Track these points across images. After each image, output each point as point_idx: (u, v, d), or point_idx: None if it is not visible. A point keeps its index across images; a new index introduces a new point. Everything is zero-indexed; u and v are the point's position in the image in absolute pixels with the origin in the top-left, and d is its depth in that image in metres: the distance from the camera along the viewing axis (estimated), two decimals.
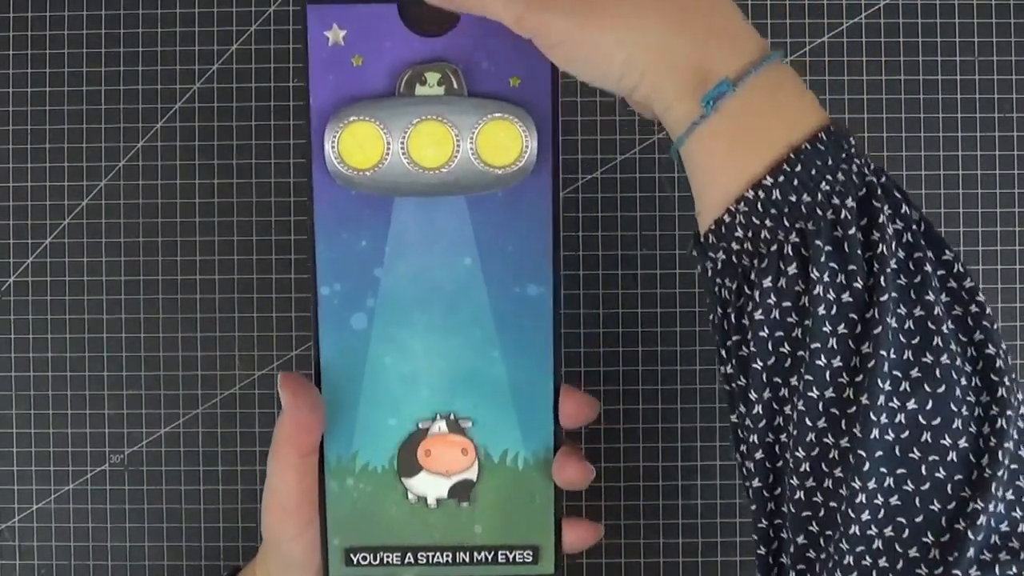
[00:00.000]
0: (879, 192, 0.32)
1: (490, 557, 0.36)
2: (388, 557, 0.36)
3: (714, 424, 0.52)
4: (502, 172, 0.34)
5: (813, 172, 0.31)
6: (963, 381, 0.31)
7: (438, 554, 0.36)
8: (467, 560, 0.36)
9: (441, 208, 0.35)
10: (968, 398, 0.31)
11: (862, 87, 0.52)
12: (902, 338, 0.31)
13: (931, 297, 0.31)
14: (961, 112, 0.52)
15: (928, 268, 0.32)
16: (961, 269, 0.32)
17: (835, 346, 0.31)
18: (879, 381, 0.31)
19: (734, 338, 0.34)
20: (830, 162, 0.32)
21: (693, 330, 0.52)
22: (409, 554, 0.36)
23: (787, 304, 0.32)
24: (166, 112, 0.52)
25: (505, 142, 0.34)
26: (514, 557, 0.36)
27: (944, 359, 0.31)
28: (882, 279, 0.31)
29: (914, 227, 0.32)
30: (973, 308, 0.32)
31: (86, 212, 0.52)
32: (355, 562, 0.36)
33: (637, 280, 0.52)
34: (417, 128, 0.34)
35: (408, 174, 0.34)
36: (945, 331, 0.31)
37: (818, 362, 0.31)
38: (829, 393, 0.32)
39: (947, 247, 0.33)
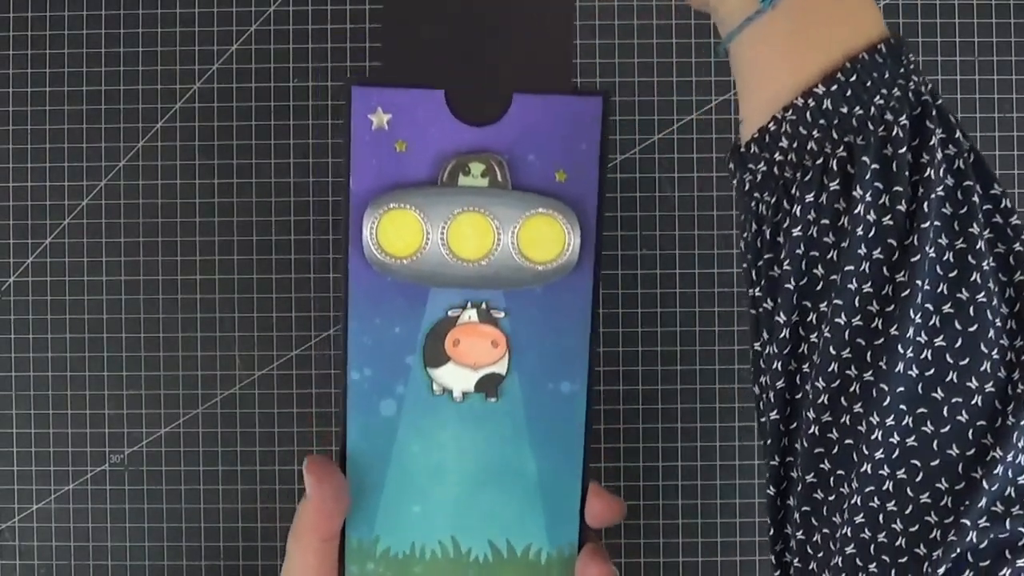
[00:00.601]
0: (933, 114, 0.30)
1: None
2: None
3: (714, 424, 0.52)
4: (542, 268, 0.33)
5: (868, 84, 0.30)
6: (997, 322, 0.30)
7: None
8: None
9: (478, 300, 0.34)
10: (1001, 341, 0.30)
11: None
12: (939, 270, 0.30)
13: (975, 230, 0.30)
14: (961, 112, 0.52)
15: (975, 199, 0.30)
16: (1008, 205, 0.31)
17: (868, 271, 0.30)
18: (911, 312, 0.29)
19: (766, 256, 0.32)
20: (887, 76, 0.30)
21: (693, 330, 0.52)
22: None
23: (825, 222, 0.31)
24: (166, 112, 0.52)
25: (547, 238, 0.33)
26: None
27: (980, 297, 0.29)
28: (926, 205, 0.29)
29: (965, 155, 0.30)
30: (1017, 247, 0.30)
31: (86, 212, 0.52)
32: None
33: (637, 280, 0.52)
34: (458, 219, 0.33)
35: (446, 264, 0.33)
36: (985, 268, 0.30)
37: (849, 286, 0.30)
38: (857, 321, 0.30)
39: (996, 181, 0.31)
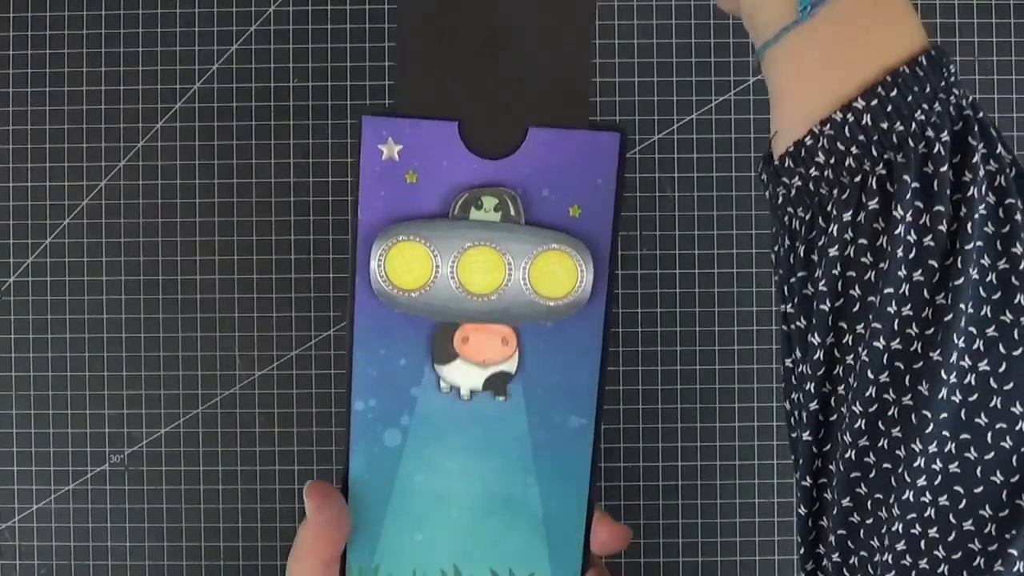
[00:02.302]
0: (975, 128, 0.29)
1: None
2: None
3: (714, 424, 0.52)
4: (554, 304, 0.33)
5: (909, 99, 0.29)
6: None
7: None
8: None
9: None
10: None
11: None
12: (982, 292, 0.29)
13: (1018, 250, 0.29)
14: None
15: (1019, 217, 0.29)
16: None
17: (908, 293, 0.29)
18: (954, 337, 0.28)
19: (799, 274, 0.31)
20: (927, 90, 0.29)
21: (693, 330, 0.52)
22: None
23: (863, 242, 0.30)
24: (166, 112, 0.52)
25: (559, 274, 0.33)
26: None
27: None
28: (968, 225, 0.28)
29: (1007, 170, 0.29)
30: None
31: (86, 212, 0.52)
32: None
33: (637, 280, 0.52)
34: (468, 253, 0.33)
35: (455, 299, 0.33)
36: None
37: (888, 309, 0.29)
38: (896, 344, 0.29)
39: None
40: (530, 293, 0.33)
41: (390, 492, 0.35)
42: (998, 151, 0.29)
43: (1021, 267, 0.29)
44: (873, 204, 0.29)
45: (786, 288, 0.32)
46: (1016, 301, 0.29)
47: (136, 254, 0.52)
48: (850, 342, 0.30)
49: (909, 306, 0.29)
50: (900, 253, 0.29)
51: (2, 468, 0.52)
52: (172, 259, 0.52)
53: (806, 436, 0.32)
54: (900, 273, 0.29)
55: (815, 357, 0.31)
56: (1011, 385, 0.29)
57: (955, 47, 0.52)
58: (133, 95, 0.52)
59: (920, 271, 0.29)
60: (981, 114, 0.30)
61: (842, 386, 0.31)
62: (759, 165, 0.33)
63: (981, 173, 0.29)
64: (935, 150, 0.29)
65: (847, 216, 0.30)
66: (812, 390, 0.31)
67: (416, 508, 0.35)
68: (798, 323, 0.32)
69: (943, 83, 0.29)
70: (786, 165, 0.31)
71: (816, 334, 0.31)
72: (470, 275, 0.33)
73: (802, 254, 0.31)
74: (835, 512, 0.31)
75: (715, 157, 0.52)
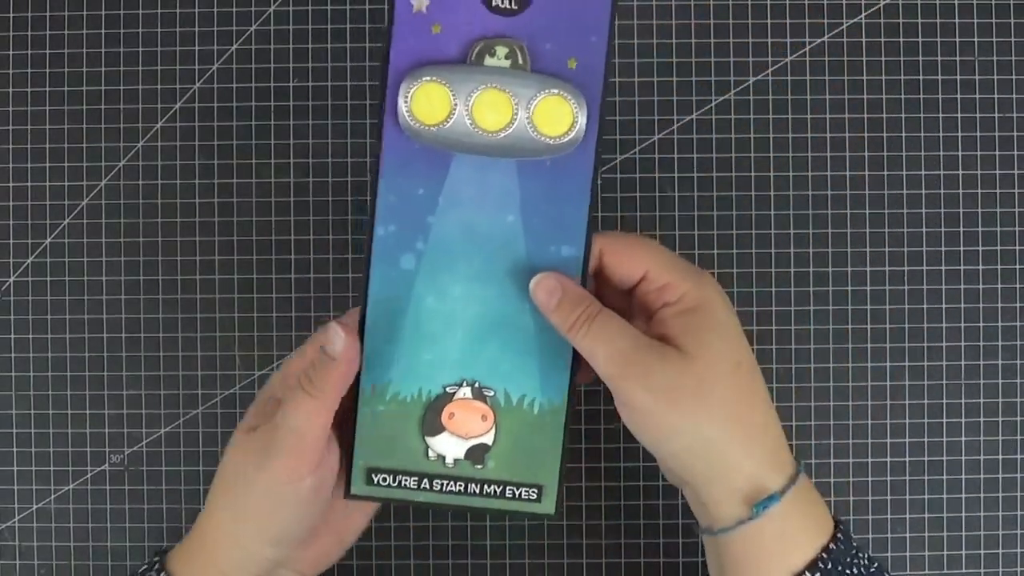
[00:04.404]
0: (884, 572, 0.39)
1: (498, 491, 0.40)
2: (405, 480, 0.40)
3: None
4: (553, 142, 0.38)
5: (839, 567, 0.37)
6: None
7: (451, 483, 0.40)
8: (477, 491, 0.40)
9: (494, 168, 0.38)
10: None
11: (862, 87, 0.52)
12: None
13: None
14: (961, 112, 0.52)
15: None
16: None
17: None
18: None
19: None
20: (847, 558, 0.38)
21: None
22: (425, 480, 0.40)
23: None
24: (166, 112, 0.52)
25: (558, 116, 0.38)
26: (520, 494, 0.40)
27: None
28: None
29: None
30: None
31: (86, 212, 0.52)
32: (375, 482, 0.40)
33: None
34: (482, 94, 0.38)
35: (469, 134, 0.38)
36: None
37: None
38: None
39: None
40: (532, 131, 0.38)
41: (405, 313, 0.39)
42: None
43: None
44: None
45: None
46: None
47: (136, 254, 0.52)
48: None
49: None
50: None
51: (2, 468, 0.52)
52: (172, 259, 0.52)
53: None
54: None
55: None
56: None
57: (955, 47, 0.52)
58: (133, 95, 0.52)
59: None
60: (876, 563, 0.39)
61: None
62: None
63: None
64: None
65: None
66: None
67: (427, 329, 0.39)
68: None
69: (854, 548, 0.39)
70: None
71: None
72: (482, 113, 0.38)
73: None
74: None
75: (715, 157, 0.52)
